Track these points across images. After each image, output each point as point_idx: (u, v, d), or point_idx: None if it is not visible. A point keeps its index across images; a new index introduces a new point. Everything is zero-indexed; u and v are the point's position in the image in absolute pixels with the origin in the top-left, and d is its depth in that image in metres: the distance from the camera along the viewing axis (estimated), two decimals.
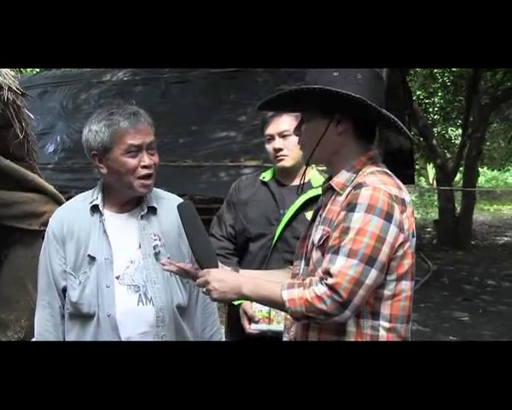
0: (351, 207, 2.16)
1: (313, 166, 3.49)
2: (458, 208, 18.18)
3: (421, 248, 14.94)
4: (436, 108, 21.86)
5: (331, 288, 2.07)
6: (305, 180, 3.36)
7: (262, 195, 3.55)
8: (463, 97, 18.77)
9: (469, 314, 9.46)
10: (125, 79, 11.32)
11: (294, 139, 3.29)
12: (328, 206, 2.32)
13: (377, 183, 2.18)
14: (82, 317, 2.64)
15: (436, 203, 21.36)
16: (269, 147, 3.47)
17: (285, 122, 3.38)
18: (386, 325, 2.23)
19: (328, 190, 2.38)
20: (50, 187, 3.89)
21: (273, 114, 3.41)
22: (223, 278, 2.28)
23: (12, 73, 3.52)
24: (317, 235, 2.31)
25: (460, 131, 21.10)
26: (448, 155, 21.69)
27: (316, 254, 2.28)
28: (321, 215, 2.38)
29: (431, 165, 26.19)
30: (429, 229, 20.75)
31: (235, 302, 3.31)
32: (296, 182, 3.42)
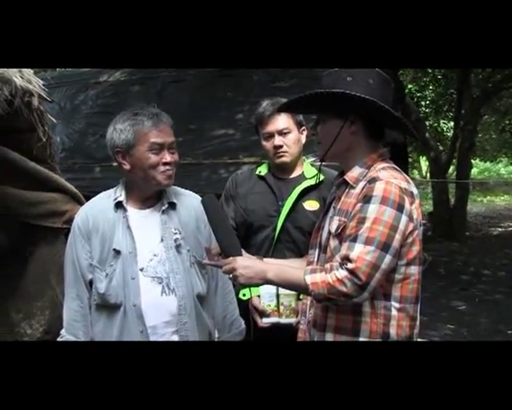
0: (366, 199, 2.37)
1: (305, 159, 3.69)
2: (452, 200, 18.21)
3: None
4: (428, 102, 21.85)
5: (351, 272, 2.28)
6: (299, 173, 3.55)
7: (260, 188, 3.67)
8: (455, 90, 18.78)
9: (466, 303, 9.59)
10: (122, 79, 11.12)
11: (292, 136, 3.47)
12: (343, 198, 2.54)
13: (389, 177, 2.40)
14: (109, 307, 2.79)
15: (430, 196, 21.34)
16: (267, 144, 3.58)
17: (283, 120, 3.51)
18: (397, 305, 2.44)
19: (342, 184, 2.59)
20: (71, 187, 3.97)
21: (271, 113, 3.52)
22: (248, 264, 2.47)
23: (40, 81, 3.65)
24: (333, 225, 2.51)
25: (452, 123, 21.14)
26: (441, 148, 21.74)
27: (333, 243, 2.49)
28: (335, 207, 2.59)
29: (424, 158, 26.22)
30: (424, 221, 20.80)
31: (244, 297, 3.49)
32: (292, 175, 3.62)
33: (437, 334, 7.81)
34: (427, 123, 20.85)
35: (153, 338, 2.78)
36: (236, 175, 3.85)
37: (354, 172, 2.54)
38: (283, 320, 3.38)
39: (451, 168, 20.81)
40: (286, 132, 3.52)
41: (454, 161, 18.96)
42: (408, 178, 2.52)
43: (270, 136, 3.55)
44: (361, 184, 2.47)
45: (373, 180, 2.41)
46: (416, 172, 31.73)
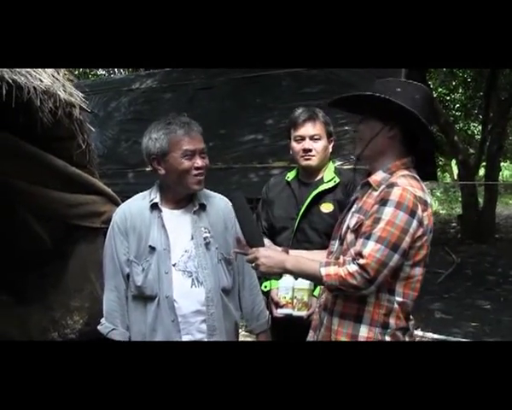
0: (383, 202, 2.62)
1: (331, 162, 3.92)
2: (482, 203, 18.05)
3: (446, 242, 15.10)
4: (457, 105, 21.83)
5: (362, 267, 2.54)
6: (320, 177, 3.77)
7: (286, 193, 3.92)
8: (484, 93, 18.75)
9: (491, 302, 9.59)
10: (154, 86, 11.48)
11: (321, 143, 3.71)
12: (364, 198, 2.80)
13: (407, 185, 2.64)
14: (145, 298, 3.04)
15: (460, 199, 21.19)
16: (297, 146, 3.79)
17: (318, 127, 3.76)
18: (400, 299, 2.71)
19: (366, 185, 2.85)
20: (108, 190, 4.24)
21: (306, 119, 3.76)
22: (269, 254, 2.74)
23: (80, 93, 3.94)
24: (352, 220, 2.78)
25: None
26: (471, 151, 21.59)
27: (350, 237, 2.75)
28: (357, 205, 2.84)
29: (454, 161, 26.02)
30: (454, 224, 20.64)
31: (265, 289, 3.75)
32: (314, 179, 3.84)
33: (460, 331, 7.91)
34: (456, 126, 20.74)
35: (183, 326, 3.03)
36: (269, 181, 4.13)
37: (378, 176, 2.79)
38: (295, 313, 3.61)
39: (483, 171, 20.61)
40: (316, 138, 3.76)
41: (483, 163, 18.88)
42: (425, 187, 2.74)
43: (302, 139, 3.78)
44: (382, 188, 2.71)
45: (391, 185, 2.65)
46: (447, 175, 31.48)
